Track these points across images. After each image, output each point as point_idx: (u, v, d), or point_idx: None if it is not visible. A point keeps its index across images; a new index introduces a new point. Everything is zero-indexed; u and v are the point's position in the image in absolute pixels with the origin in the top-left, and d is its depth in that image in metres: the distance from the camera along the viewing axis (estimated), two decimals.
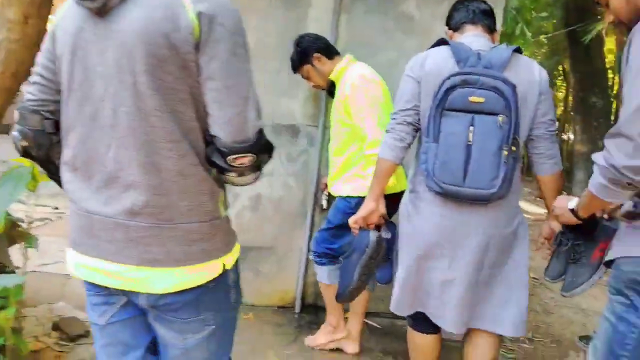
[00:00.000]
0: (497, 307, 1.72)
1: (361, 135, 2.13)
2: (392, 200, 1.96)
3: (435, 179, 1.58)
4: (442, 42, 1.69)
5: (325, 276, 2.38)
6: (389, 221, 1.97)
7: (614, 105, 5.92)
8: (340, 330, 2.47)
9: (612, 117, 6.14)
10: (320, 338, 2.49)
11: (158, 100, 0.97)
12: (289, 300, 2.91)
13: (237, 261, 1.16)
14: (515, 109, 1.53)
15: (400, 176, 2.18)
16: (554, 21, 6.69)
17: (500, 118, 1.52)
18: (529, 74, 1.62)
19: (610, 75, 6.75)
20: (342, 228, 2.20)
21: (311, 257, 2.45)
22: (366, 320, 2.67)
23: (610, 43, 5.90)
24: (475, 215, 1.62)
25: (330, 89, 2.38)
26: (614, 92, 6.72)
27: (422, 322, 1.81)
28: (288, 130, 2.78)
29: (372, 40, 2.70)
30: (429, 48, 1.71)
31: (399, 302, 1.78)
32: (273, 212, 2.84)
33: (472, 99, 1.53)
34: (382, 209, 1.83)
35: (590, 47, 5.64)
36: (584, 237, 1.56)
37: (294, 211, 2.84)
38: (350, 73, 2.22)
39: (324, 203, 2.73)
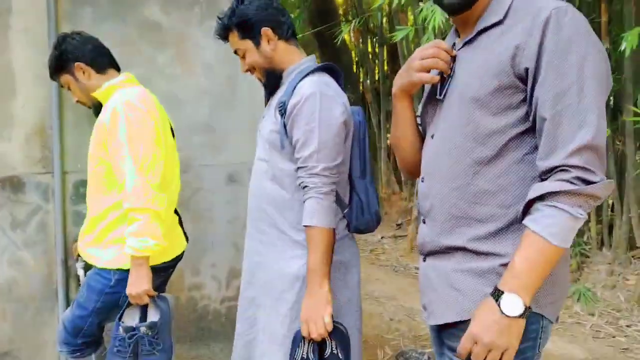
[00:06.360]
0: None
1: (118, 182, 1.60)
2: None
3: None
4: (324, 67, 1.48)
5: None
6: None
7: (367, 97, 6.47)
8: None
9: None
10: None
11: None
12: None
13: None
14: None
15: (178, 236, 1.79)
16: (301, 22, 6.99)
17: None
18: None
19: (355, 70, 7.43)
20: (103, 312, 1.67)
21: (64, 354, 1.78)
22: None
23: (347, 37, 6.45)
24: None
25: (98, 110, 1.73)
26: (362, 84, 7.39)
27: None
28: (4, 186, 1.97)
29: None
30: (309, 73, 1.41)
31: None
32: (1, 304, 2.01)
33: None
34: None
35: (336, 45, 6.00)
36: None
37: (35, 297, 2.06)
38: (119, 96, 1.62)
39: (81, 275, 2.03)
